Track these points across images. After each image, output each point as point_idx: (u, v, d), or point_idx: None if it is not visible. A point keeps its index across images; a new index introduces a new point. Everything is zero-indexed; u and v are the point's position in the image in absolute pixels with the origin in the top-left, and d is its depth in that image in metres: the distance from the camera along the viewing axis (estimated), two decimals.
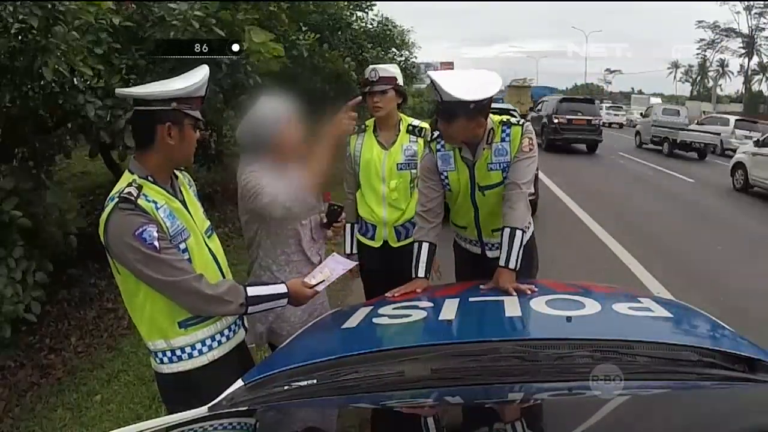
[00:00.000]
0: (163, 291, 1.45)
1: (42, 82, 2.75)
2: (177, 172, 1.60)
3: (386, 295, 1.86)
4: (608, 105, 30.59)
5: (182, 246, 1.49)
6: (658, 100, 32.62)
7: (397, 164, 2.44)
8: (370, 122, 2.52)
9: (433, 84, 1.88)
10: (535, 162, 2.02)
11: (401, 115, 2.53)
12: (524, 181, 1.97)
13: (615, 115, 27.67)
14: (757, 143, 9.81)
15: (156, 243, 1.39)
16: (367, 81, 2.40)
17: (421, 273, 2.02)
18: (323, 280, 1.73)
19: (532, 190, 2.06)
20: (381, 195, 2.47)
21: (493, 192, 2.07)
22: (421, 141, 2.47)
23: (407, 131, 2.48)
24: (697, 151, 14.73)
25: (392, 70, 2.44)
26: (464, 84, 1.87)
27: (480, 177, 2.05)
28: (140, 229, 1.38)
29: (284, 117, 1.89)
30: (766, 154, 9.07)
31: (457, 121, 1.91)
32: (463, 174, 2.08)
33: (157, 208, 1.44)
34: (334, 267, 1.80)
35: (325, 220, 2.12)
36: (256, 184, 1.81)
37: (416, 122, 2.54)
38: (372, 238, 2.55)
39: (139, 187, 1.43)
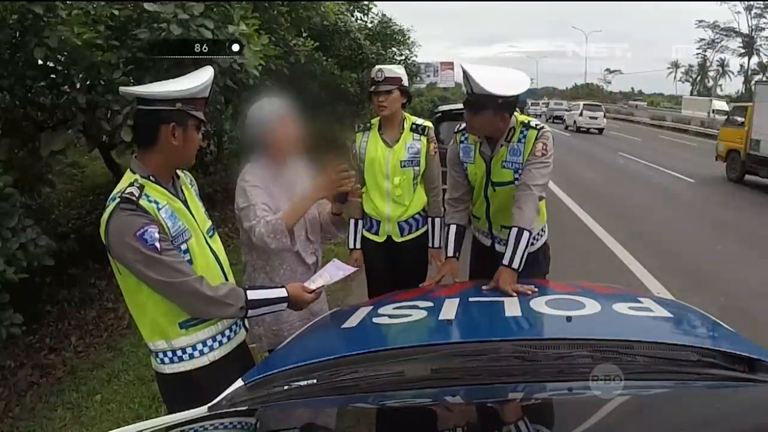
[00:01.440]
0: (163, 292, 1.44)
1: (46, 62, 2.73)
2: (179, 172, 1.59)
3: (421, 285, 2.03)
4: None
5: (183, 247, 1.49)
6: (723, 104, 32.94)
7: (401, 161, 2.49)
8: (375, 120, 2.58)
9: (465, 75, 1.94)
10: (547, 167, 2.05)
11: (405, 113, 2.57)
12: (535, 184, 2.00)
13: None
14: (568, 110, 30.60)
15: (157, 244, 1.38)
16: (373, 81, 2.45)
17: (450, 252, 2.21)
18: (322, 285, 1.73)
19: (544, 195, 2.08)
20: (385, 191, 2.52)
21: (503, 189, 2.13)
22: (424, 139, 2.53)
23: (411, 129, 2.52)
24: (561, 120, 29.70)
25: (397, 71, 2.49)
26: (495, 79, 1.93)
27: (494, 173, 2.12)
28: (141, 230, 1.37)
29: (278, 116, 1.93)
30: (572, 113, 27.28)
31: (483, 113, 1.97)
32: (480, 168, 2.15)
33: (159, 209, 1.43)
34: (335, 273, 1.80)
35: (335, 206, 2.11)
36: (245, 201, 1.89)
37: (420, 121, 2.58)
38: (376, 234, 2.61)
39: (141, 187, 1.43)
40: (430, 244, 2.61)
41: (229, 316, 1.56)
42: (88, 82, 3.04)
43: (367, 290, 2.71)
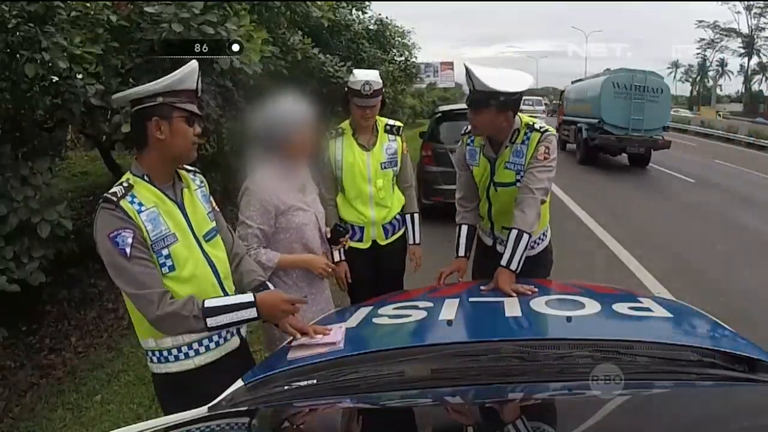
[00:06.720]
0: (128, 297, 1.44)
1: (41, 73, 2.73)
2: (183, 173, 1.57)
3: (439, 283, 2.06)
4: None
5: (165, 252, 1.44)
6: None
7: (381, 163, 2.49)
8: (345, 125, 2.51)
9: (467, 72, 1.95)
10: (550, 171, 2.04)
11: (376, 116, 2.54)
12: (537, 187, 2.00)
13: None
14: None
15: (127, 249, 1.37)
16: (360, 94, 2.34)
17: (461, 252, 2.26)
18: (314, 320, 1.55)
19: (546, 198, 2.06)
20: (368, 195, 2.50)
21: (505, 191, 2.13)
22: (399, 139, 2.54)
23: (385, 131, 2.52)
24: None
25: (379, 80, 2.41)
26: (497, 76, 1.94)
27: (497, 174, 2.13)
28: (115, 232, 1.37)
29: (303, 120, 1.93)
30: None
31: (486, 111, 1.97)
32: (485, 169, 2.17)
33: (140, 212, 1.41)
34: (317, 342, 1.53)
35: (329, 236, 2.15)
36: (245, 216, 1.93)
37: (392, 122, 2.58)
38: (360, 240, 2.55)
39: (129, 187, 1.43)
40: (410, 242, 2.63)
41: (188, 330, 1.46)
42: (86, 87, 3.02)
43: (350, 299, 2.60)
